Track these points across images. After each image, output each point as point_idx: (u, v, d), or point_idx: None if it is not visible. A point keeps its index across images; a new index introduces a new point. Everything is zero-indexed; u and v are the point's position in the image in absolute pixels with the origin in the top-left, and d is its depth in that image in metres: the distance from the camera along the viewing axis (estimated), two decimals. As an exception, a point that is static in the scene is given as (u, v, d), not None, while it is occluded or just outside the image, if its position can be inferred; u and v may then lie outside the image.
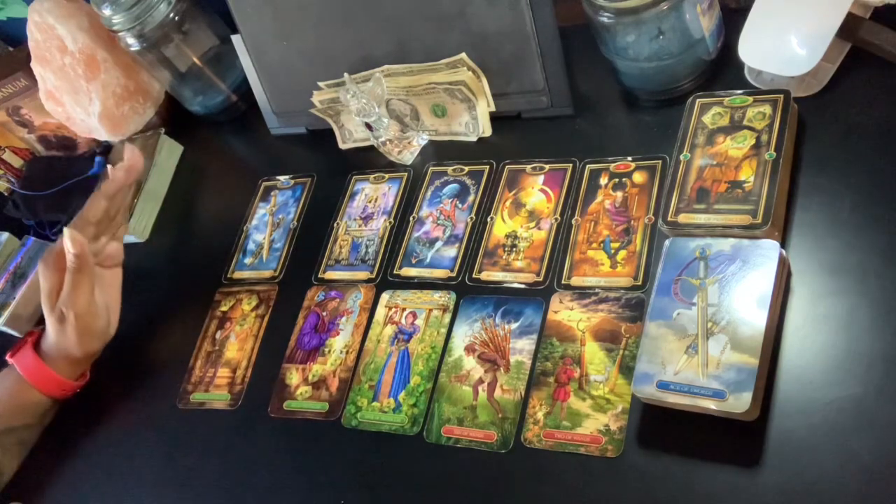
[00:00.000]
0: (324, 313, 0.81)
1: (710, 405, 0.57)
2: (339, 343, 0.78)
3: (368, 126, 0.85)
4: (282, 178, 0.97)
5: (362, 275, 0.82)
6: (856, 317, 0.59)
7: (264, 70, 0.96)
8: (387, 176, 0.89)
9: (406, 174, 0.88)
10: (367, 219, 0.87)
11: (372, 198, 0.88)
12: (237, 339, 0.84)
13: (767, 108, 0.68)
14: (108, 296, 0.83)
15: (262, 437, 0.76)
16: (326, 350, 0.79)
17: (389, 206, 0.86)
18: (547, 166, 0.80)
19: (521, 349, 0.70)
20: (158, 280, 0.85)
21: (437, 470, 0.67)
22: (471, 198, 0.82)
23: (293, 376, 0.78)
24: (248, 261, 0.91)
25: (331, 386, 0.76)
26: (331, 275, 0.84)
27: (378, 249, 0.83)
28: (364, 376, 0.75)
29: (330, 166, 0.94)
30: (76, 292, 0.77)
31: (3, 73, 1.10)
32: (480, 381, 0.70)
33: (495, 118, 0.86)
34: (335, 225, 0.88)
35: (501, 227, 0.78)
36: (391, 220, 0.85)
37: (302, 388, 0.77)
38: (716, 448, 0.58)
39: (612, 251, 0.71)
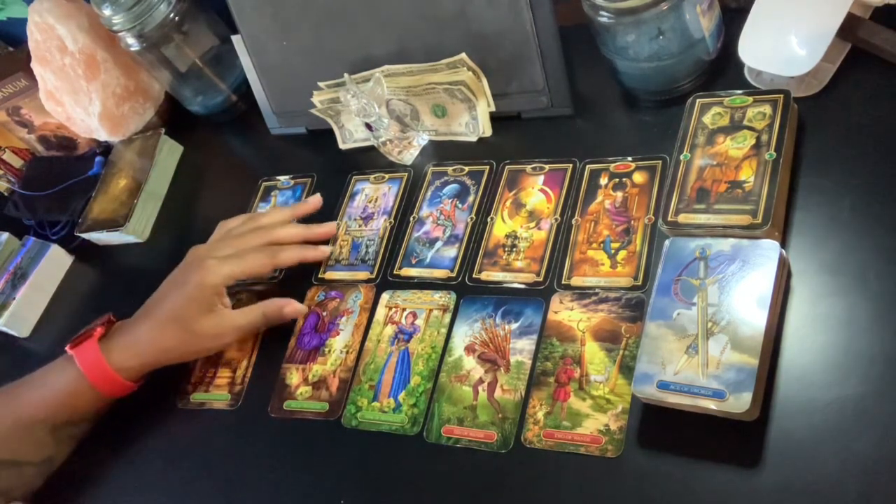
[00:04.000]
0: (324, 313, 0.81)
1: (710, 405, 0.57)
2: (339, 343, 0.78)
3: (368, 126, 0.85)
4: (282, 178, 0.97)
5: (362, 275, 0.82)
6: (856, 317, 0.59)
7: (264, 70, 0.95)
8: (387, 176, 0.89)
9: (406, 174, 0.88)
10: (367, 219, 0.87)
11: (372, 198, 0.88)
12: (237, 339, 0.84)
13: (767, 108, 0.68)
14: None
15: (262, 437, 0.76)
16: (326, 350, 0.78)
17: (389, 206, 0.86)
18: (547, 166, 0.80)
19: (522, 349, 0.70)
20: (158, 280, 0.85)
21: (437, 470, 0.67)
22: (471, 198, 0.82)
23: (293, 376, 0.78)
24: (248, 261, 0.91)
25: (331, 386, 0.76)
26: (331, 275, 0.84)
27: (378, 249, 0.83)
28: (364, 376, 0.75)
29: (330, 166, 0.94)
30: (261, 318, 0.80)
31: (3, 73, 1.09)
32: (480, 381, 0.70)
33: (495, 118, 0.85)
34: (335, 225, 0.88)
35: (501, 227, 0.78)
36: (391, 220, 0.85)
37: (302, 388, 0.77)
38: (716, 448, 0.58)
39: (612, 251, 0.71)
